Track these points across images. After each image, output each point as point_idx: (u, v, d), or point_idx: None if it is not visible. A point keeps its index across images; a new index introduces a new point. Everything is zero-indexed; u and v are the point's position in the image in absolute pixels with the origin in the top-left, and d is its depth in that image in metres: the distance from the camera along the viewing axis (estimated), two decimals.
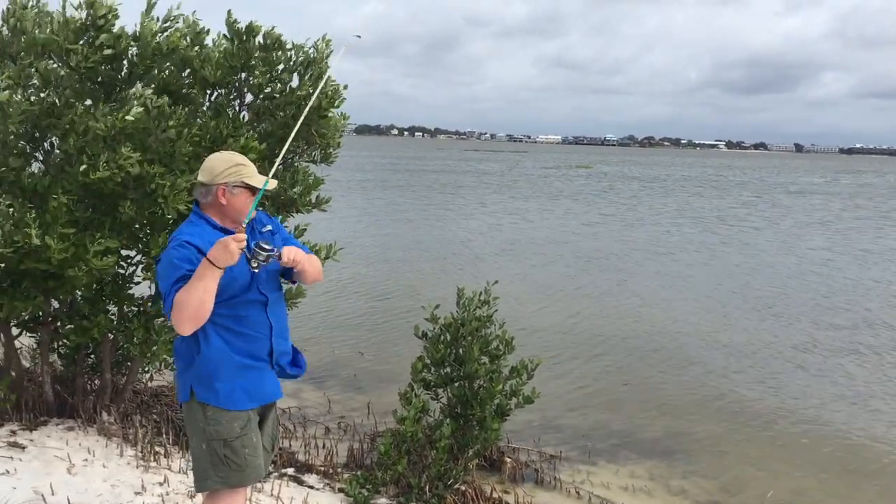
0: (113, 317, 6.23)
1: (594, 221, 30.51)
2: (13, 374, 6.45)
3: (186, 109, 5.27)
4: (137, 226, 5.59)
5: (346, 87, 6.10)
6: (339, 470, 6.70)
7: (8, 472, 5.29)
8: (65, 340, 6.43)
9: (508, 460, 7.21)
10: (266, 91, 5.87)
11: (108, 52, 5.15)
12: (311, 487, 6.14)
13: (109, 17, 5.28)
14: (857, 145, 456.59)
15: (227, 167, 3.65)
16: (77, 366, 6.77)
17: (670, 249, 22.94)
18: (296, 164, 6.80)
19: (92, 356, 6.95)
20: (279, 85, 5.88)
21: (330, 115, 6.06)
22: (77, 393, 6.70)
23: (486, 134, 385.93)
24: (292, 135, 3.91)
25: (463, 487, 6.32)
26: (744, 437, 8.50)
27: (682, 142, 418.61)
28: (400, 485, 6.20)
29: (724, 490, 7.21)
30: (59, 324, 6.36)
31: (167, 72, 5.77)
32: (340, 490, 6.08)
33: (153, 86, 5.79)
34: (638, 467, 7.64)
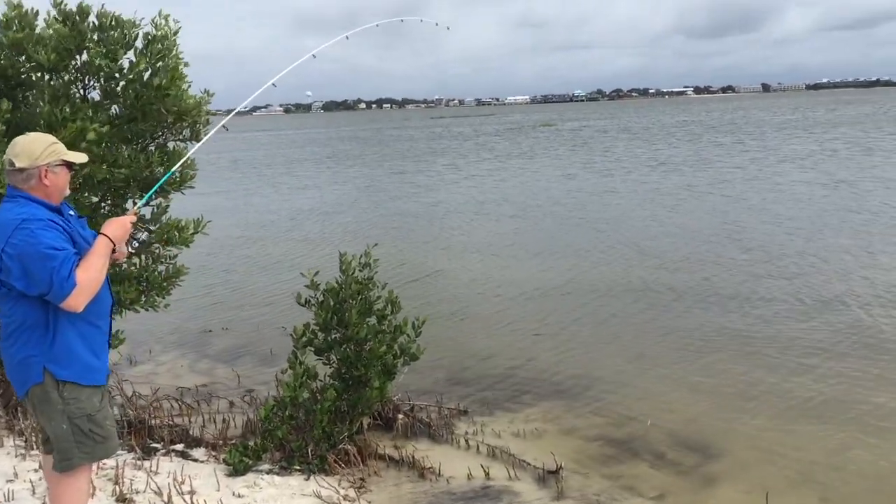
0: None
1: (556, 176, 30.45)
2: None
3: None
4: None
5: (187, 64, 6.11)
6: (231, 441, 6.79)
7: None
8: None
9: (401, 417, 7.33)
10: (105, 72, 5.84)
11: None
12: (196, 461, 6.25)
13: None
14: (824, 80, 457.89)
15: (45, 147, 3.70)
16: None
17: (622, 196, 23.06)
18: (168, 145, 6.81)
19: None
20: (117, 65, 5.85)
21: (171, 93, 6.02)
22: None
23: (454, 100, 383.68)
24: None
25: (348, 447, 6.42)
26: (647, 375, 8.69)
27: (651, 91, 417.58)
28: (285, 450, 6.30)
29: (614, 424, 7.40)
30: None
31: (2, 58, 5.74)
32: (224, 461, 6.16)
33: None
34: (534, 411, 7.82)
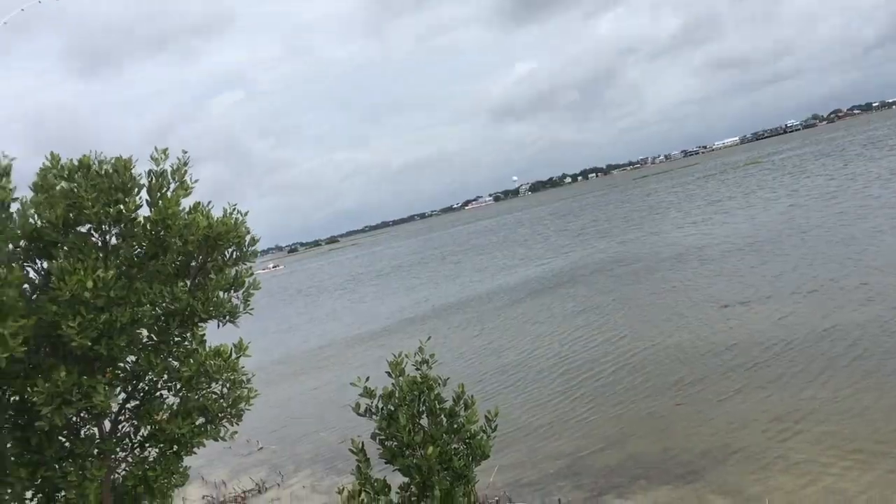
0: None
1: (758, 211, 27.97)
2: None
3: None
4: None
5: (188, 192, 6.11)
6: None
7: None
8: None
9: None
10: (112, 217, 5.94)
11: None
12: None
13: None
14: None
15: None
16: None
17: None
18: (210, 277, 6.78)
19: None
20: (115, 209, 5.91)
21: (171, 223, 6.01)
22: None
23: (659, 156, 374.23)
24: None
25: None
26: (793, 443, 7.33)
27: (874, 105, 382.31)
28: None
29: None
30: None
31: (36, 221, 6.00)
32: None
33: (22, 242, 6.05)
34: (647, 498, 6.88)
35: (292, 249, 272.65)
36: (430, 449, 6.13)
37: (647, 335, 12.80)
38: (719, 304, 14.01)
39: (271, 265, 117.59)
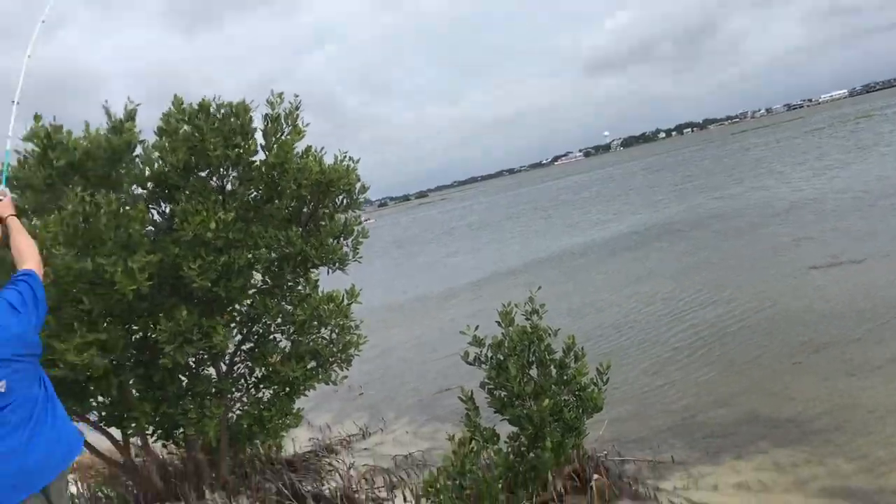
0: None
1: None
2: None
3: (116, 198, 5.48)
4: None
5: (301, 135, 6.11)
6: None
7: None
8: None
9: (596, 478, 6.50)
10: (231, 160, 5.99)
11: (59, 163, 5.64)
12: None
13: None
14: None
15: None
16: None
17: None
18: (322, 223, 6.81)
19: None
20: (235, 152, 5.93)
21: (287, 167, 6.03)
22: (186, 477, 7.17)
23: (760, 110, 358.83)
24: None
25: None
26: None
27: None
28: None
29: (865, 471, 5.90)
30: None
31: (160, 166, 6.10)
32: None
33: (149, 183, 6.18)
34: (767, 458, 6.55)
35: (382, 204, 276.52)
36: (546, 401, 6.03)
37: (762, 292, 12.27)
38: (839, 260, 13.32)
39: (362, 218, 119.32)
